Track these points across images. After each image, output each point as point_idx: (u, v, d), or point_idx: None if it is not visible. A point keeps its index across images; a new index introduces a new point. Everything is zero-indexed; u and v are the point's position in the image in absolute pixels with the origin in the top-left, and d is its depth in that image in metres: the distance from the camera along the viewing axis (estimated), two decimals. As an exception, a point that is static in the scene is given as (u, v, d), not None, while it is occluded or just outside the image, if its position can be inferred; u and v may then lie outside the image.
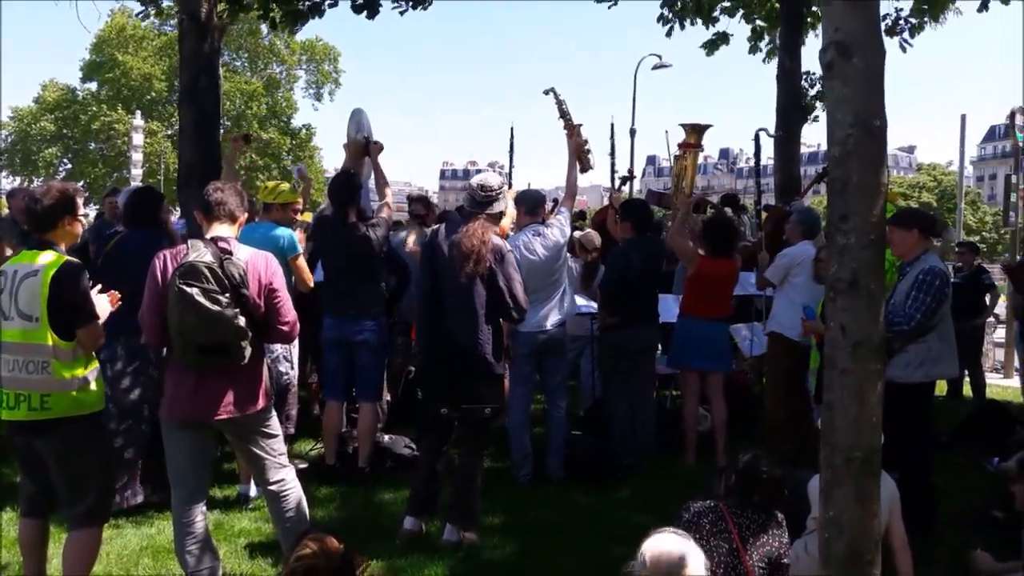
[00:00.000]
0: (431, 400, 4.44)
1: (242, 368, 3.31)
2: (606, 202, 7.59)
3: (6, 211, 6.95)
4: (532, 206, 5.35)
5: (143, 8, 8.05)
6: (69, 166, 37.70)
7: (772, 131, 9.31)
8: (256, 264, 3.34)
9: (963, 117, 20.67)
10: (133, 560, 3.99)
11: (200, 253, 3.22)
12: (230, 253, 3.28)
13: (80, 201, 3.47)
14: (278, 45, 38.30)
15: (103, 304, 3.42)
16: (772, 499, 3.03)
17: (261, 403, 3.42)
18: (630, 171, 10.50)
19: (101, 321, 3.36)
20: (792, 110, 9.98)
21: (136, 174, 29.85)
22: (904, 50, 10.02)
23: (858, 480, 2.05)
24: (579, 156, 5.45)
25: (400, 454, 5.48)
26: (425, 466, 4.42)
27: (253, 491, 4.74)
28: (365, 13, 7.26)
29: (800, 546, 3.36)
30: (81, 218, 3.49)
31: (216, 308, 3.15)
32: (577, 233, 6.70)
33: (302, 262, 5.20)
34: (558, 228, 5.21)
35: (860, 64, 2.12)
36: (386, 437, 5.58)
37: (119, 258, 4.51)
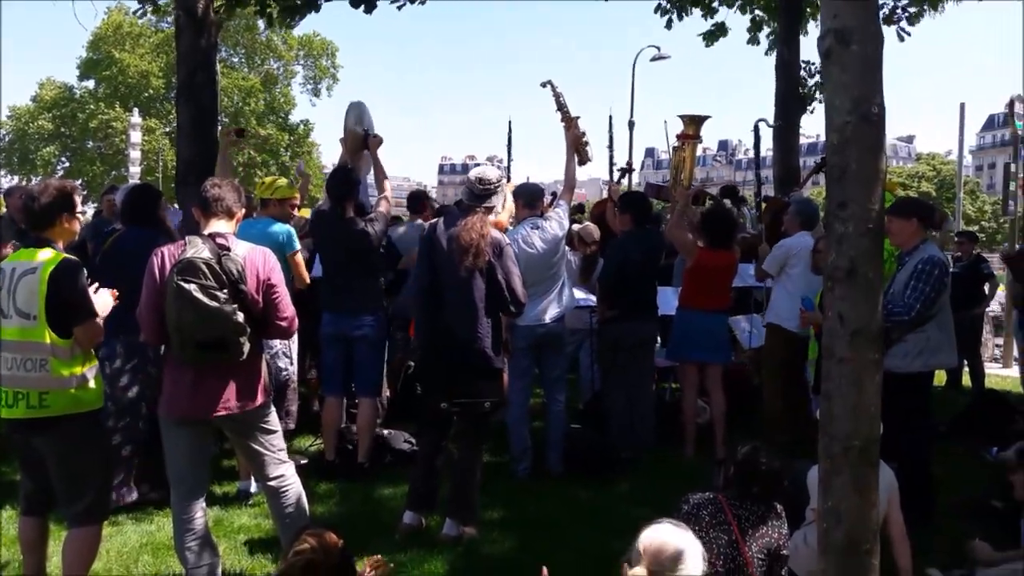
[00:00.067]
0: (430, 395, 4.43)
1: (241, 364, 3.31)
2: (605, 195, 7.59)
3: (4, 210, 6.93)
4: (530, 199, 5.34)
5: (140, 5, 8.02)
6: (67, 164, 37.65)
7: (771, 121, 9.30)
8: (254, 260, 3.33)
9: (962, 106, 20.64)
10: (133, 557, 3.99)
11: (198, 249, 3.22)
12: (228, 249, 3.28)
13: (78, 199, 3.47)
14: (275, 41, 38.21)
15: (105, 299, 3.42)
16: (771, 491, 3.03)
17: (260, 399, 3.42)
18: (629, 163, 10.48)
19: (101, 318, 3.35)
20: (791, 100, 9.98)
21: (134, 172, 29.81)
22: (901, 39, 10.02)
23: (856, 469, 2.05)
24: (577, 148, 5.43)
25: (399, 449, 5.49)
26: (424, 461, 4.42)
27: (253, 487, 4.74)
28: (363, 7, 7.22)
29: (799, 537, 3.37)
30: (79, 216, 3.49)
31: (214, 304, 3.15)
32: (576, 226, 6.69)
33: (299, 258, 5.19)
34: (556, 221, 5.20)
35: (858, 51, 2.11)
36: (385, 432, 5.58)
37: (117, 256, 4.50)
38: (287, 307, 3.43)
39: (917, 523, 3.77)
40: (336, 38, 59.18)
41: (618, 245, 5.85)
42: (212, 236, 3.31)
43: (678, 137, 6.84)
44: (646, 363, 5.88)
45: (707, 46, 11.04)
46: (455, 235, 4.21)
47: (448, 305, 4.23)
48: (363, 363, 5.16)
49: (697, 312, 5.78)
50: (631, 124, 21.16)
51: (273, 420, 3.54)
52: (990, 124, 76.67)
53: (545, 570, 2.36)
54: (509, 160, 10.75)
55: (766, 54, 10.99)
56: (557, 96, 5.69)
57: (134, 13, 9.08)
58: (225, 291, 3.19)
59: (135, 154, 30.65)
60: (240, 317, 3.22)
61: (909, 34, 10.01)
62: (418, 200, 7.36)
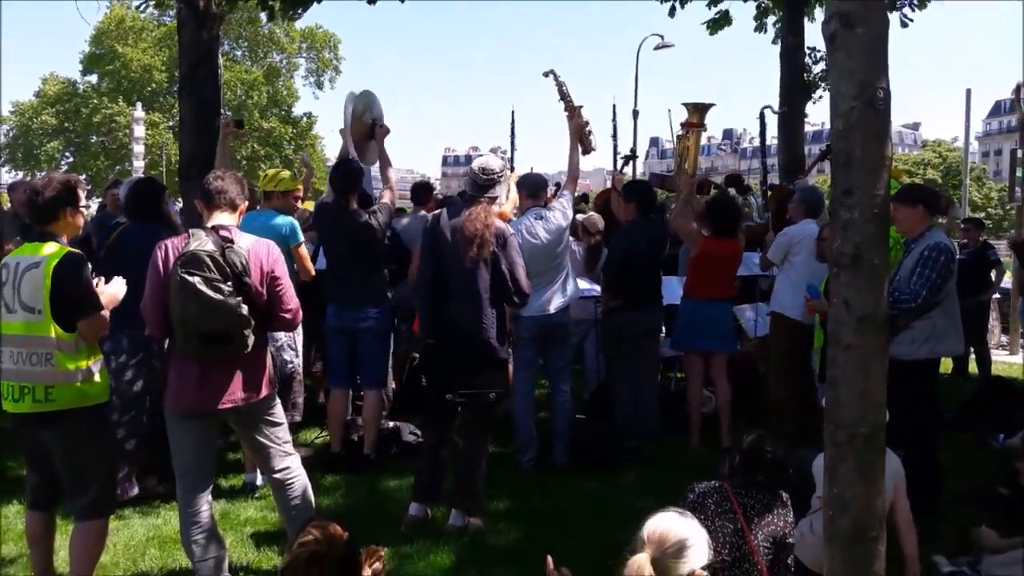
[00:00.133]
0: (435, 386, 4.43)
1: (245, 357, 3.31)
2: (609, 185, 7.56)
3: (8, 205, 6.94)
4: (533, 189, 5.32)
5: (142, 0, 8.01)
6: (71, 159, 37.71)
7: (776, 109, 9.27)
8: (258, 252, 3.33)
9: (968, 92, 20.50)
10: (140, 550, 4.00)
11: (201, 242, 3.21)
12: (231, 241, 3.27)
13: (81, 192, 3.46)
14: (278, 33, 38.15)
15: (116, 290, 3.42)
16: (777, 479, 3.03)
17: (265, 391, 3.42)
18: (632, 150, 10.44)
19: (108, 311, 3.35)
20: (796, 88, 9.92)
21: (138, 166, 29.87)
22: (905, 25, 9.95)
23: (862, 456, 2.03)
24: (580, 138, 5.41)
25: (405, 441, 5.50)
26: (429, 452, 4.42)
27: (259, 480, 4.75)
28: (365, -2, 7.19)
29: (805, 525, 3.36)
30: (82, 209, 3.48)
31: (219, 297, 3.15)
32: (580, 216, 6.67)
33: (303, 250, 5.19)
34: (560, 211, 5.18)
35: (864, 35, 2.08)
36: (391, 424, 5.59)
37: (121, 250, 4.51)
38: (291, 299, 3.43)
39: (923, 511, 3.76)
40: (338, 30, 58.98)
41: (622, 234, 5.83)
42: (215, 228, 3.31)
43: (682, 125, 6.82)
44: (650, 353, 5.87)
45: (711, 34, 10.97)
46: (459, 226, 4.20)
47: (453, 296, 4.23)
48: (368, 355, 5.16)
49: (702, 301, 5.77)
50: (635, 113, 21.13)
51: (278, 412, 3.54)
52: (996, 110, 76.21)
53: (550, 560, 2.35)
54: (512, 150, 10.77)
55: (773, 42, 10.91)
56: (560, 86, 5.66)
57: (136, 7, 9.08)
58: (229, 284, 3.19)
59: (139, 148, 30.70)
60: (244, 309, 3.22)
61: (912, 20, 9.94)
62: (422, 191, 7.35)
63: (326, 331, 5.31)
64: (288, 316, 3.44)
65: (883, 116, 2.10)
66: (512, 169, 8.03)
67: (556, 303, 5.17)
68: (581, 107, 5.49)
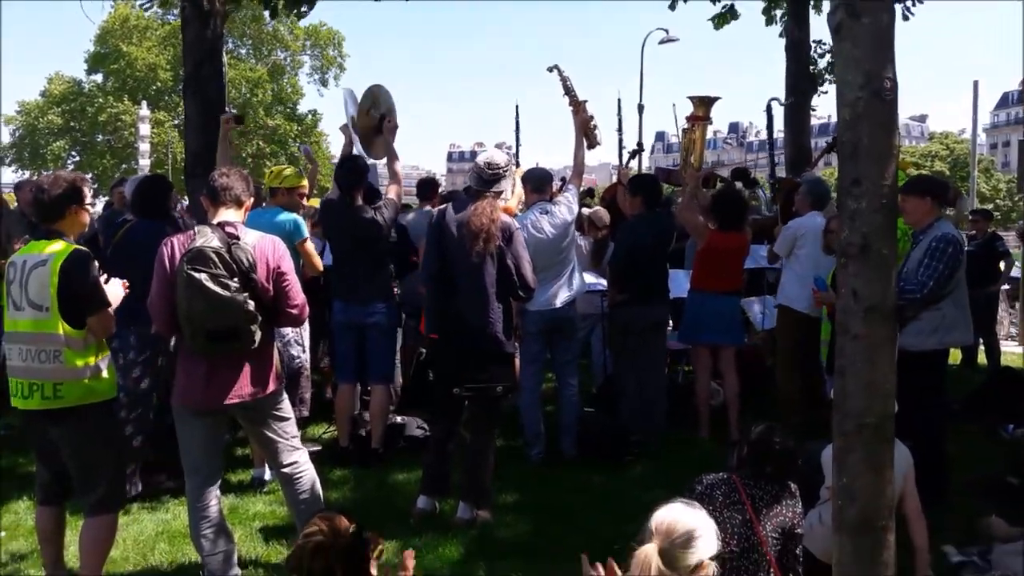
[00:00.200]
0: (442, 381, 4.44)
1: (252, 352, 3.32)
2: (615, 180, 7.55)
3: (15, 204, 6.97)
4: (538, 184, 5.32)
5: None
6: (77, 158, 37.79)
7: (783, 100, 9.24)
8: (264, 248, 3.33)
9: (975, 84, 20.36)
10: (149, 545, 4.02)
11: (207, 239, 3.22)
12: (237, 238, 3.27)
13: (87, 190, 3.47)
14: (282, 31, 38.14)
15: (115, 290, 3.43)
16: (785, 470, 3.02)
17: (272, 386, 3.43)
18: (639, 144, 10.41)
19: (113, 308, 3.36)
20: (802, 80, 9.88)
21: (144, 164, 29.83)
22: (906, 18, 9.89)
23: (870, 447, 2.03)
24: (586, 133, 5.40)
25: (413, 435, 5.50)
26: (437, 446, 4.43)
27: (267, 475, 4.76)
28: (369, -6, 7.16)
29: (814, 516, 3.36)
30: (88, 207, 3.49)
31: (225, 293, 3.16)
32: (586, 210, 6.66)
33: (309, 246, 5.19)
34: (565, 206, 5.17)
35: (869, 25, 2.08)
36: (399, 418, 5.60)
37: (128, 247, 4.53)
38: (297, 295, 3.44)
39: (932, 501, 3.75)
40: (342, 28, 58.95)
41: (629, 228, 5.82)
42: (221, 225, 3.31)
43: (688, 119, 6.80)
44: (657, 347, 5.86)
45: (717, 29, 10.91)
46: (465, 220, 4.20)
47: (459, 291, 4.23)
48: (375, 351, 5.17)
49: (709, 294, 5.76)
50: (640, 108, 21.06)
51: (286, 407, 3.55)
52: (1004, 102, 75.84)
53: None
54: (517, 146, 10.74)
55: (780, 36, 10.86)
56: (564, 80, 5.65)
57: (140, 6, 9.08)
58: (236, 280, 3.19)
59: (144, 147, 30.67)
60: (251, 305, 3.22)
61: (913, 14, 9.88)
62: (428, 187, 7.36)
63: (333, 327, 5.32)
64: (295, 312, 3.45)
65: (890, 106, 2.10)
66: (517, 164, 8.02)
67: (562, 297, 5.17)
68: (586, 102, 5.48)
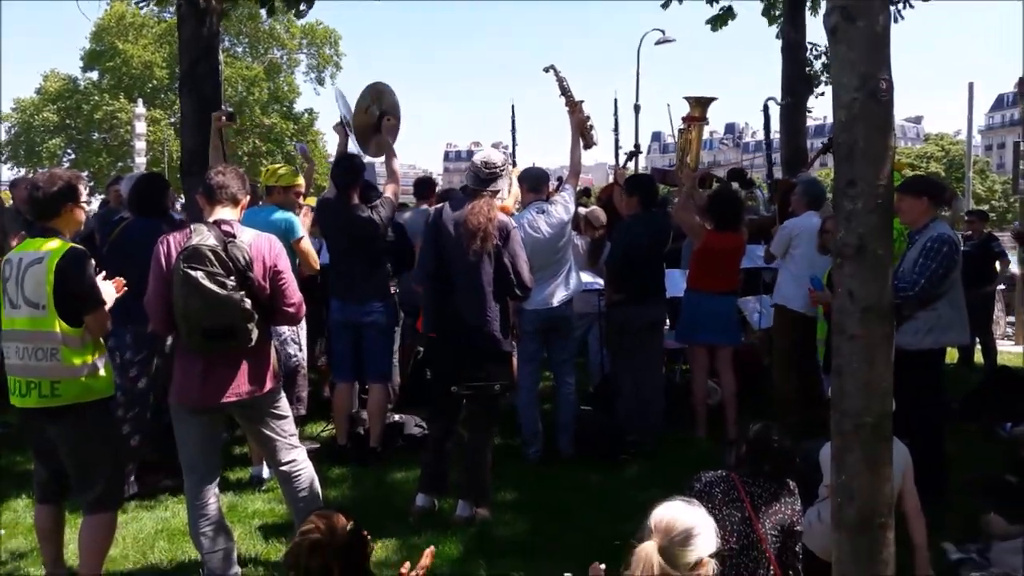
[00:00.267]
0: (440, 379, 4.45)
1: (249, 351, 3.32)
2: (611, 180, 7.56)
3: (10, 202, 6.95)
4: (535, 183, 5.33)
5: (142, -5, 8.00)
6: (73, 156, 37.71)
7: (780, 100, 9.25)
8: (260, 246, 3.34)
9: (971, 86, 20.47)
10: (149, 543, 4.03)
11: (203, 237, 3.22)
12: (234, 236, 3.28)
13: (82, 188, 3.47)
14: (278, 29, 38.09)
15: (109, 290, 3.43)
16: (783, 468, 3.03)
17: (269, 385, 3.43)
18: (636, 146, 10.42)
19: (107, 307, 3.37)
20: (798, 82, 9.90)
21: (140, 162, 29.85)
22: (895, 20, 9.91)
23: (869, 445, 2.04)
24: (582, 133, 5.41)
25: (411, 434, 5.51)
26: (435, 444, 4.44)
27: (266, 473, 4.77)
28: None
29: (813, 514, 3.37)
30: (84, 205, 3.49)
31: (222, 292, 3.16)
32: (583, 210, 6.67)
33: (305, 244, 5.19)
34: (562, 205, 5.18)
35: (865, 27, 2.09)
36: (397, 417, 5.60)
37: (124, 245, 4.52)
38: (294, 293, 3.44)
39: (931, 500, 3.76)
40: (339, 26, 58.88)
41: (625, 228, 5.83)
42: (217, 223, 3.32)
43: (684, 119, 6.80)
44: (654, 346, 5.87)
45: (714, 31, 10.91)
46: (462, 219, 4.20)
47: (456, 290, 4.23)
48: (373, 349, 5.17)
49: (705, 294, 5.77)
50: (636, 108, 21.08)
51: (283, 406, 3.56)
52: (999, 104, 75.95)
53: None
54: (514, 146, 10.75)
55: (777, 37, 10.88)
56: (560, 81, 5.65)
57: (136, 4, 9.06)
58: (232, 278, 3.20)
59: (140, 145, 30.67)
60: (247, 304, 3.23)
61: (903, 17, 9.92)
62: (425, 186, 7.36)
63: (330, 325, 5.32)
64: (291, 310, 3.45)
65: (885, 107, 2.11)
66: (514, 164, 8.02)
67: (559, 296, 5.18)
68: (582, 102, 5.49)
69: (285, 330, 4.88)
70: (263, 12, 8.09)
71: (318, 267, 5.32)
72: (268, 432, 3.48)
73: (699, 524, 2.17)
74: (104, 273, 3.44)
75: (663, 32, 22.85)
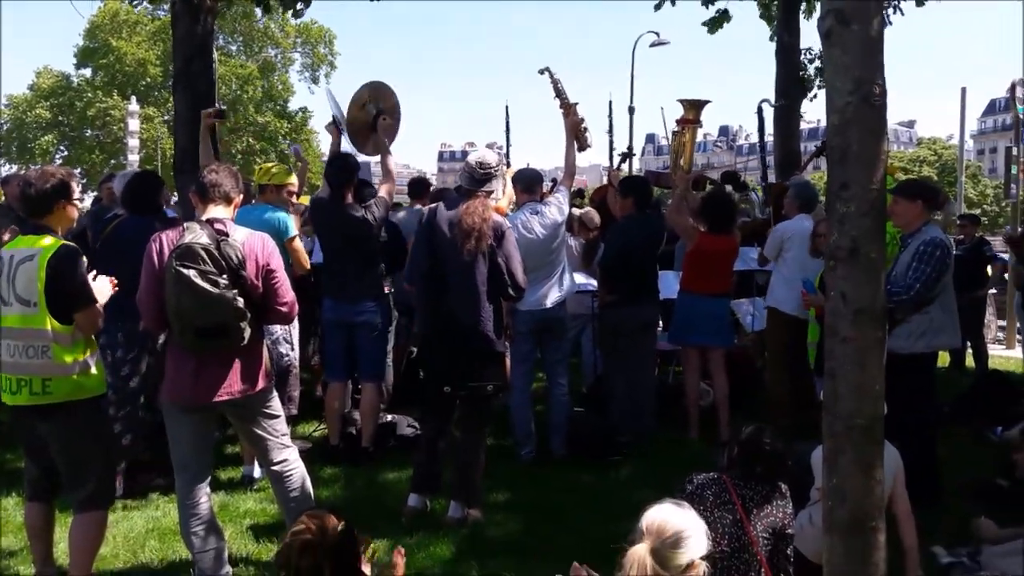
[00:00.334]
0: (433, 379, 4.44)
1: (242, 349, 3.31)
2: (605, 181, 7.57)
3: (2, 198, 6.92)
4: (529, 184, 5.33)
5: (136, -7, 7.98)
6: (66, 153, 37.53)
7: (774, 102, 9.28)
8: (253, 245, 3.33)
9: (963, 90, 20.63)
10: (140, 542, 4.01)
11: (196, 235, 3.21)
12: (226, 235, 3.27)
13: (75, 185, 3.46)
14: (272, 28, 37.99)
15: (103, 287, 3.42)
16: (775, 471, 3.04)
17: (262, 384, 3.42)
18: (630, 148, 10.46)
19: (100, 305, 3.35)
20: (791, 85, 9.93)
21: (133, 160, 29.69)
22: (886, 24, 9.94)
23: (860, 448, 2.05)
24: (576, 135, 5.42)
25: (403, 434, 5.50)
26: (428, 444, 4.43)
27: (257, 472, 4.75)
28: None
29: (804, 516, 3.38)
30: (76, 202, 3.48)
31: (215, 290, 3.15)
32: (577, 211, 6.68)
33: (298, 244, 5.19)
34: (556, 207, 5.19)
35: (859, 31, 2.10)
36: (389, 417, 5.60)
37: (117, 243, 4.51)
38: (287, 292, 3.43)
39: (922, 504, 3.77)
40: (334, 26, 58.81)
41: (619, 229, 5.84)
42: (210, 222, 3.30)
43: (678, 122, 6.81)
44: (647, 348, 5.89)
45: (711, 33, 10.93)
46: (457, 219, 4.20)
47: (451, 289, 4.23)
48: (365, 349, 5.16)
49: (698, 296, 5.78)
50: (631, 110, 21.12)
51: (275, 405, 3.55)
52: (991, 109, 76.32)
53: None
54: (508, 146, 10.77)
55: (771, 39, 10.90)
56: (555, 83, 5.66)
57: (131, 1, 9.03)
58: (225, 277, 3.19)
59: (133, 142, 30.52)
60: (240, 303, 3.22)
61: (891, 23, 9.96)
62: (420, 186, 7.35)
63: (323, 325, 5.31)
64: (284, 309, 3.44)
65: (879, 112, 2.11)
66: (508, 165, 8.03)
67: (553, 297, 5.18)
68: (576, 104, 5.49)
69: (277, 329, 4.87)
70: (258, 11, 8.07)
71: (309, 267, 5.32)
72: (260, 431, 3.47)
73: (690, 526, 2.18)
74: (95, 271, 3.43)
75: (657, 35, 22.94)
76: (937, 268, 4.23)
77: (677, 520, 2.18)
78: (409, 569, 3.63)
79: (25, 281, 3.19)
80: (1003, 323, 11.49)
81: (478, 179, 4.33)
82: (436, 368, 4.41)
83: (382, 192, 5.22)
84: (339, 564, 2.24)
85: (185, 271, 3.12)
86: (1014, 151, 12.06)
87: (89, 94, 36.27)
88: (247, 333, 3.27)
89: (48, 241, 3.24)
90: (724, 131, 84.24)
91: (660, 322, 6.44)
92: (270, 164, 5.64)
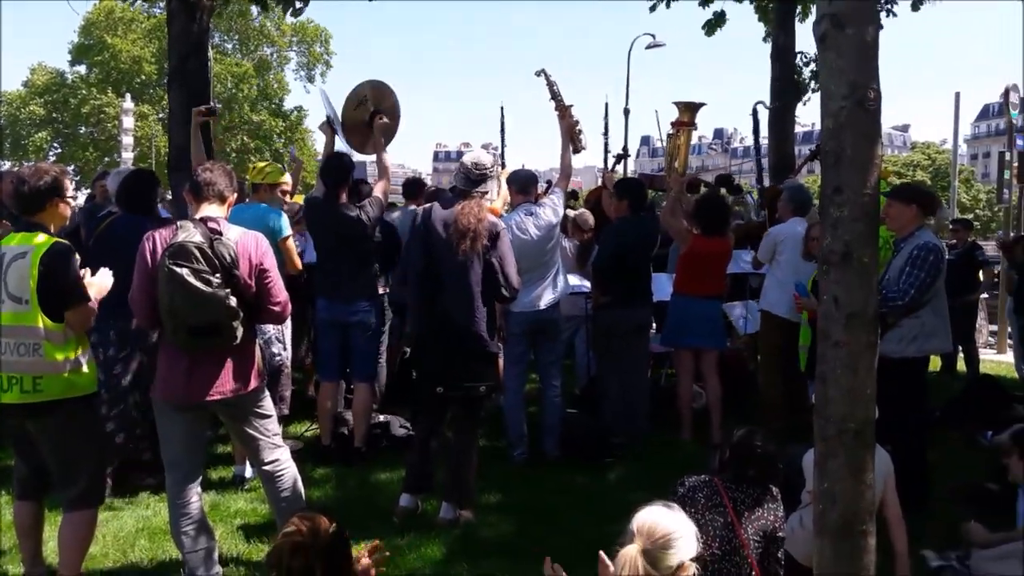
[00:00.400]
0: (426, 379, 4.44)
1: (234, 349, 3.30)
2: (600, 183, 7.58)
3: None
4: (523, 185, 5.33)
5: (132, -9, 7.95)
6: (59, 150, 37.43)
7: (769, 105, 9.30)
8: (246, 244, 3.32)
9: (957, 95, 20.63)
10: (129, 541, 4.00)
11: (189, 233, 3.20)
12: (220, 233, 3.26)
13: (68, 183, 3.45)
14: (268, 27, 37.96)
15: (104, 281, 3.40)
16: (767, 474, 3.04)
17: (254, 383, 3.41)
18: (624, 149, 10.47)
19: (96, 301, 3.34)
20: (787, 88, 9.96)
21: (127, 157, 29.60)
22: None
23: (851, 451, 2.05)
24: (571, 137, 5.42)
25: (396, 434, 5.50)
26: (420, 445, 4.43)
27: (249, 472, 4.74)
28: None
29: (795, 520, 3.39)
30: (69, 200, 3.47)
31: (207, 289, 3.14)
32: (571, 213, 6.68)
33: (291, 243, 5.17)
34: (551, 208, 5.19)
35: (854, 35, 2.10)
36: (381, 417, 5.59)
37: (110, 240, 4.49)
38: (280, 292, 3.43)
39: (913, 507, 3.79)
40: (329, 25, 58.73)
41: (613, 231, 5.85)
42: (204, 220, 3.29)
43: (673, 124, 6.84)
44: (640, 349, 5.89)
45: (708, 35, 10.94)
46: (452, 219, 4.20)
47: (445, 289, 4.23)
48: (359, 349, 5.16)
49: (692, 298, 5.79)
50: (626, 112, 21.17)
51: (267, 405, 3.54)
52: (985, 113, 76.61)
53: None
54: (503, 147, 10.77)
55: (765, 40, 10.92)
56: (551, 85, 5.66)
57: (126, -1, 9.00)
58: (218, 275, 3.18)
59: (127, 140, 30.42)
60: (233, 301, 3.21)
61: (882, 27, 9.97)
62: (415, 187, 7.35)
63: (317, 324, 5.30)
64: (277, 308, 3.44)
65: (873, 116, 2.12)
66: (503, 166, 8.03)
67: (546, 299, 5.18)
68: (571, 106, 5.50)
69: (270, 329, 4.86)
70: (254, 9, 8.06)
71: (301, 267, 5.31)
72: (251, 431, 3.46)
73: (680, 528, 2.19)
74: (87, 270, 3.41)
75: (653, 37, 22.98)
76: (931, 273, 4.24)
77: (667, 522, 2.19)
78: (400, 570, 3.65)
79: (17, 278, 3.18)
80: (994, 328, 11.52)
81: (473, 180, 4.33)
82: (429, 368, 4.40)
83: (377, 191, 5.22)
84: (330, 566, 2.24)
85: (178, 270, 3.11)
86: (1007, 156, 12.09)
87: (83, 91, 36.20)
88: (240, 332, 3.27)
89: (41, 238, 3.23)
90: (719, 134, 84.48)
91: (653, 324, 6.44)
92: (264, 163, 5.62)
